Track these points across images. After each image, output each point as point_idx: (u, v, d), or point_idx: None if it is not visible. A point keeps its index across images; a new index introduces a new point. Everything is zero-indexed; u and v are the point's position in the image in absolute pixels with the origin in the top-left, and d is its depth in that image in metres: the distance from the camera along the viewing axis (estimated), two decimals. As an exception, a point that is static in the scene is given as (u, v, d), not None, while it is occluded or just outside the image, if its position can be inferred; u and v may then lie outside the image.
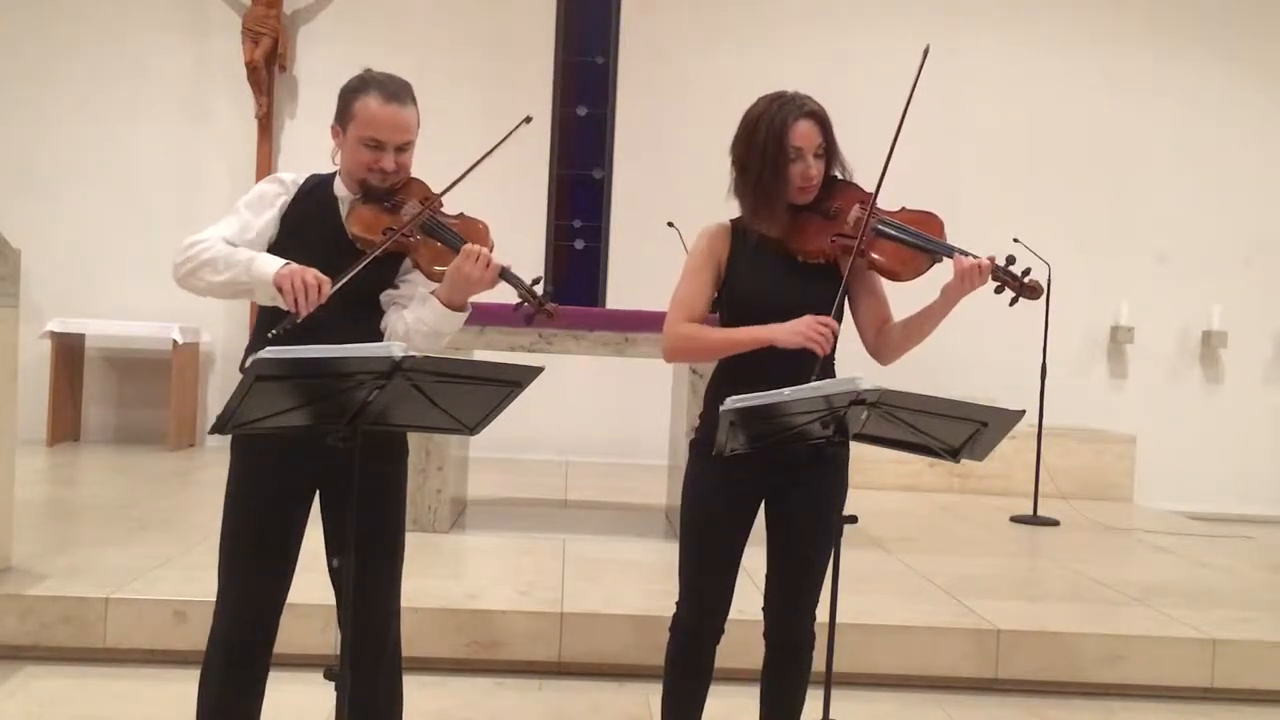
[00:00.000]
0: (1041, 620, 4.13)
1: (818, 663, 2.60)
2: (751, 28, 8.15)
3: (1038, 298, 2.53)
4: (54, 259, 7.48)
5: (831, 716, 2.50)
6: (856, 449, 2.46)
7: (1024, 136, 8.25)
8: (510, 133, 2.53)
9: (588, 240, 7.32)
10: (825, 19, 8.19)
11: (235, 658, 2.46)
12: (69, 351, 7.59)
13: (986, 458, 2.51)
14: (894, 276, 2.57)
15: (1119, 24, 8.36)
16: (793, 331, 2.45)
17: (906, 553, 5.23)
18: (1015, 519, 6.50)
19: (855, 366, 2.42)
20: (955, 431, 2.42)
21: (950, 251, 2.53)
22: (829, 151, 2.57)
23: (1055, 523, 6.41)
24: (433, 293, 2.42)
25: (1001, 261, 2.52)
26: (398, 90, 2.43)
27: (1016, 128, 8.25)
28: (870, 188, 2.63)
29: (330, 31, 8.07)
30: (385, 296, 2.50)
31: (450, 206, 2.53)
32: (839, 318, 2.55)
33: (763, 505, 2.65)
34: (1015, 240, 6.74)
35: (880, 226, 2.56)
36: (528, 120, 2.58)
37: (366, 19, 8.02)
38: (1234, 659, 3.97)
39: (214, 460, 7.04)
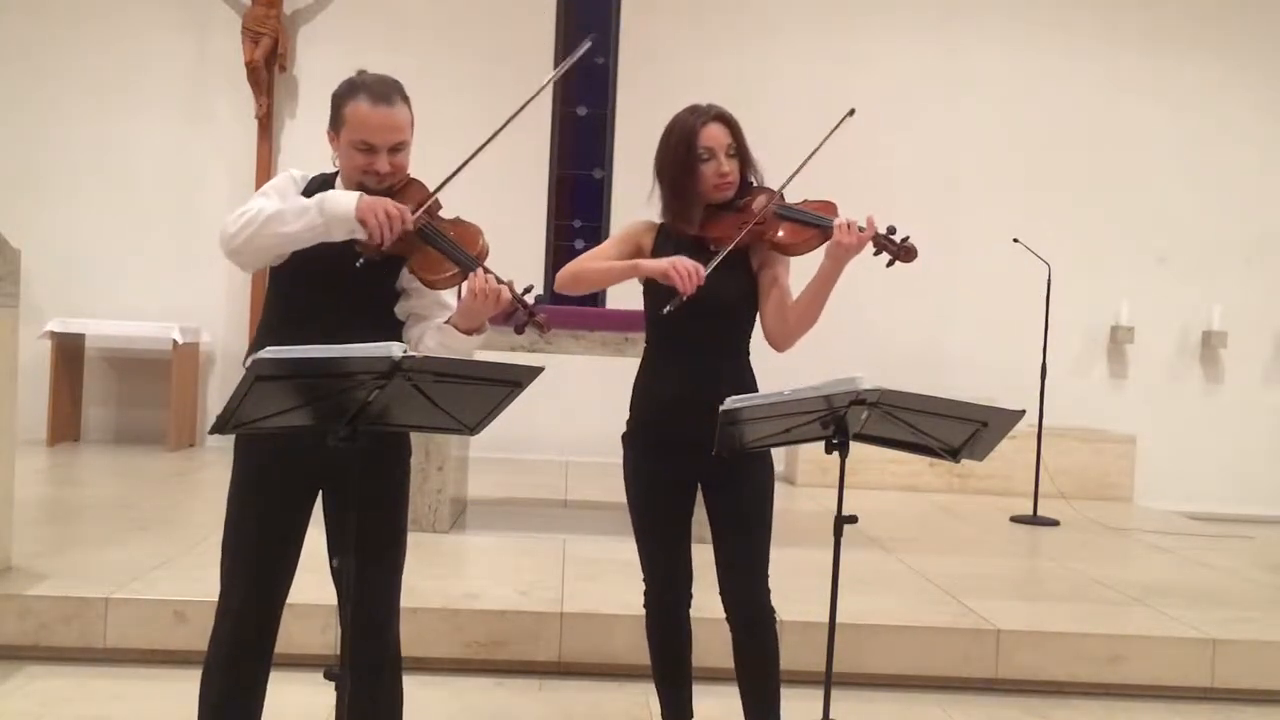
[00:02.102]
0: (1041, 620, 4.13)
1: (818, 663, 2.61)
2: (752, 28, 8.15)
3: (912, 260, 2.70)
4: (54, 259, 7.47)
5: (831, 716, 2.51)
6: (856, 449, 2.47)
7: (1024, 137, 8.25)
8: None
9: (588, 240, 7.30)
10: (825, 19, 8.19)
11: (237, 657, 2.46)
12: (69, 351, 7.58)
13: (986, 458, 2.52)
14: (790, 250, 2.77)
15: (1119, 25, 8.35)
16: (665, 262, 2.64)
17: (906, 553, 5.24)
18: (1015, 519, 6.51)
19: (857, 367, 2.42)
20: (955, 431, 2.43)
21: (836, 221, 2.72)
22: (741, 153, 2.78)
23: (1055, 523, 6.41)
24: (449, 321, 2.43)
25: (882, 229, 2.70)
26: (386, 91, 2.41)
27: (1016, 128, 8.25)
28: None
29: (330, 31, 8.07)
30: (401, 309, 2.51)
31: (450, 205, 2.51)
32: (739, 305, 2.76)
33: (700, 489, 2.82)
34: (1015, 240, 6.76)
35: (780, 210, 2.77)
36: (590, 42, 2.74)
37: (366, 19, 8.02)
38: (1234, 659, 3.97)
39: (214, 460, 7.05)
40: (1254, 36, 8.41)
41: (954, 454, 2.49)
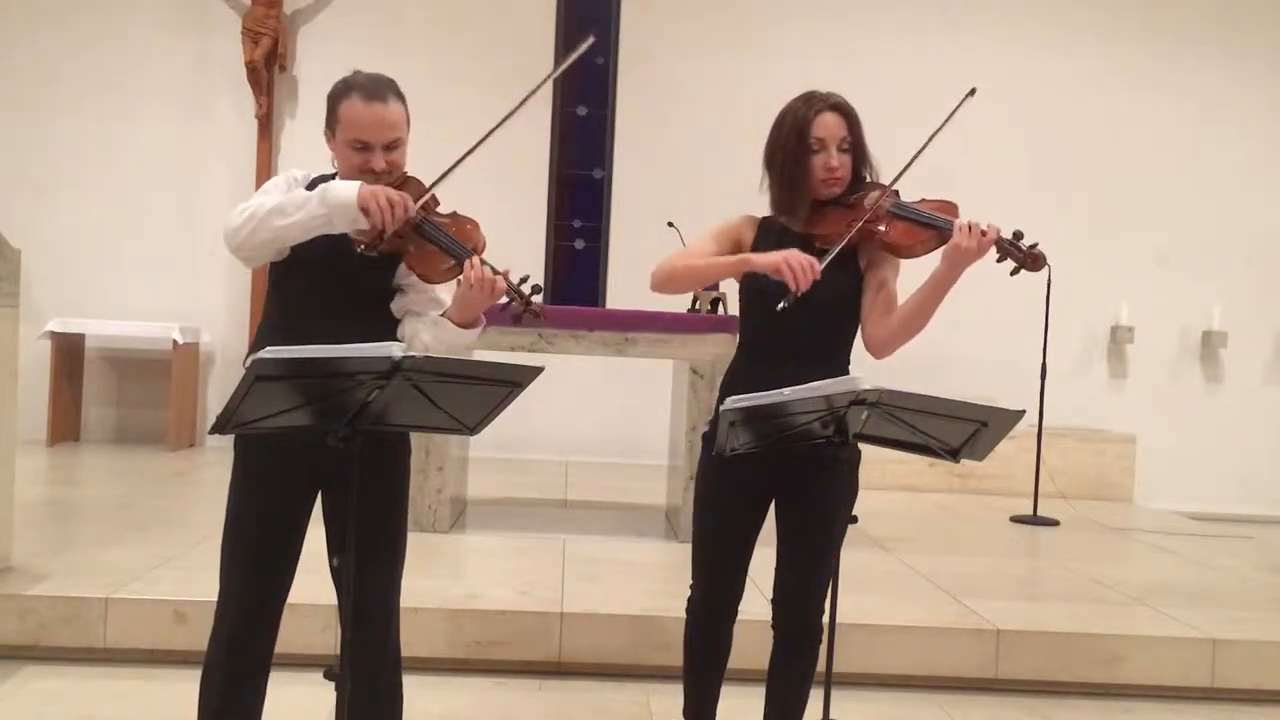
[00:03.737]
0: (1041, 620, 4.13)
1: (818, 663, 2.61)
2: (752, 27, 8.15)
3: (1040, 269, 2.53)
4: (54, 259, 7.48)
5: (832, 716, 2.51)
6: (862, 451, 2.46)
7: (1024, 136, 8.25)
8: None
9: (588, 240, 7.31)
10: (826, 18, 8.19)
11: (237, 658, 2.46)
12: (69, 351, 7.58)
13: (986, 458, 2.51)
14: (902, 251, 2.59)
15: (1119, 24, 8.36)
16: (778, 256, 2.46)
17: (906, 553, 5.23)
18: (1015, 519, 6.50)
19: (857, 367, 2.42)
20: (955, 431, 2.42)
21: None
22: (855, 148, 2.61)
23: (1055, 523, 6.41)
24: (444, 314, 2.43)
25: (1008, 234, 2.52)
26: (379, 89, 2.41)
27: (1016, 128, 8.24)
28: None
29: (330, 31, 8.07)
30: (397, 305, 2.50)
31: (446, 204, 2.52)
32: (841, 307, 2.59)
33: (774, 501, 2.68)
34: (1015, 240, 6.76)
35: (894, 208, 2.59)
36: (593, 38, 2.63)
37: (366, 19, 8.03)
38: (1234, 659, 3.97)
39: (214, 460, 7.05)
40: (1255, 36, 8.41)
41: (954, 454, 2.48)
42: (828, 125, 2.57)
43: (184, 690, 2.64)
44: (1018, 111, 8.25)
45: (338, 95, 2.43)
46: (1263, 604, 4.61)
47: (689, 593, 2.73)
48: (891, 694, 3.83)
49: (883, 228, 2.57)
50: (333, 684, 2.17)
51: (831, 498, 2.62)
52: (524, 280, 2.38)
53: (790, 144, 2.57)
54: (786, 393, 2.30)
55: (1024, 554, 5.68)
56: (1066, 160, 8.28)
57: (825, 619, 2.57)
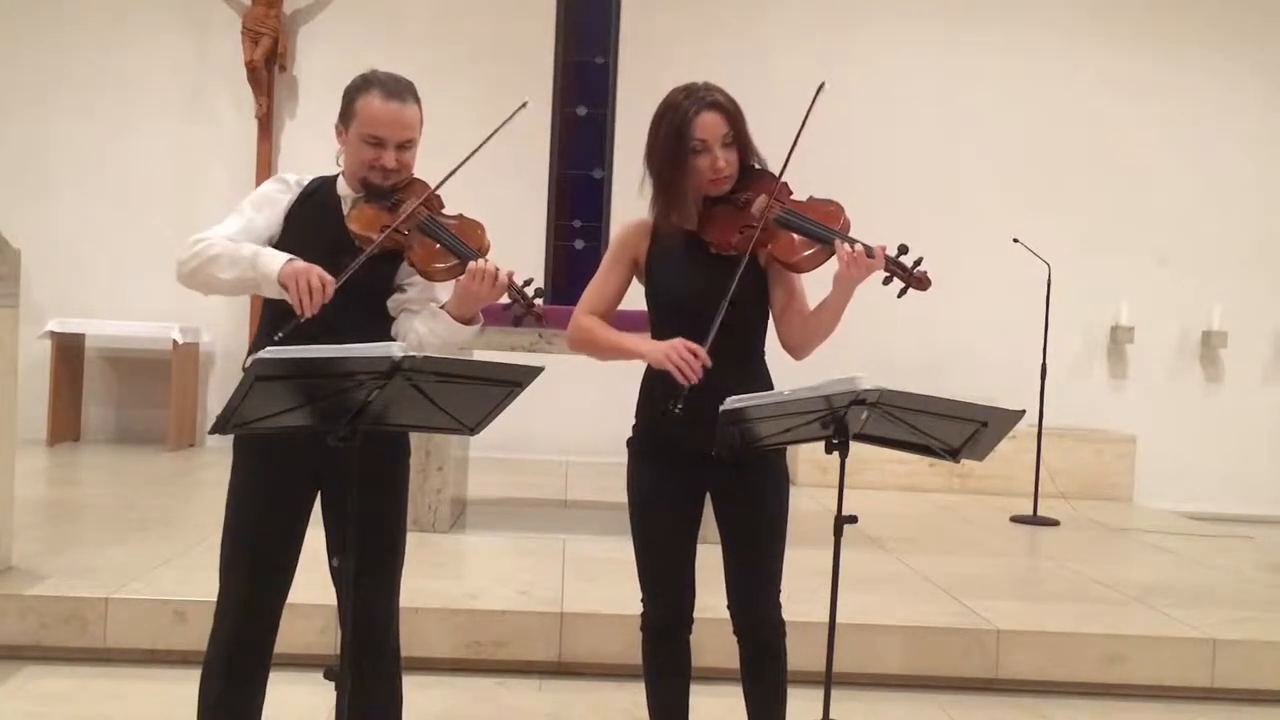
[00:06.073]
0: (1041, 620, 4.13)
1: (818, 663, 2.60)
2: (752, 28, 8.15)
3: (925, 289, 2.47)
4: (54, 259, 7.47)
5: (832, 716, 2.50)
6: (856, 449, 2.46)
7: (1024, 136, 8.24)
8: (508, 119, 2.52)
9: (588, 240, 7.31)
10: (825, 19, 8.18)
11: (236, 658, 2.46)
12: (69, 351, 7.58)
13: (986, 458, 2.51)
14: (793, 269, 2.54)
15: (1119, 24, 8.35)
16: (660, 352, 2.42)
17: (906, 553, 5.23)
18: (1015, 519, 6.50)
19: (857, 366, 2.42)
20: (955, 431, 2.42)
21: (844, 241, 2.47)
22: (739, 140, 2.54)
23: (1055, 523, 6.41)
24: (443, 306, 2.43)
25: (892, 251, 2.47)
26: (399, 88, 2.45)
27: (1016, 128, 8.24)
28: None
29: (330, 31, 8.07)
30: (394, 302, 2.51)
31: (450, 206, 2.53)
32: (748, 307, 2.53)
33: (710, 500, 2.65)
34: (1015, 240, 6.76)
35: (783, 215, 2.52)
36: (524, 105, 2.58)
37: (366, 19, 8.03)
38: (1234, 659, 3.97)
39: (214, 460, 7.04)
40: (1254, 36, 8.40)
41: (954, 454, 2.48)
42: (708, 125, 2.48)
43: (184, 690, 2.64)
44: (1018, 112, 8.26)
45: (356, 90, 2.46)
46: (1263, 604, 4.61)
47: (641, 608, 2.66)
48: (891, 694, 3.83)
49: (772, 241, 2.51)
50: (333, 684, 2.16)
51: (765, 490, 2.59)
52: (528, 283, 2.40)
53: (670, 145, 2.49)
54: (786, 393, 2.30)
55: (1024, 554, 5.69)
56: (1067, 161, 8.27)
57: (825, 620, 2.56)
